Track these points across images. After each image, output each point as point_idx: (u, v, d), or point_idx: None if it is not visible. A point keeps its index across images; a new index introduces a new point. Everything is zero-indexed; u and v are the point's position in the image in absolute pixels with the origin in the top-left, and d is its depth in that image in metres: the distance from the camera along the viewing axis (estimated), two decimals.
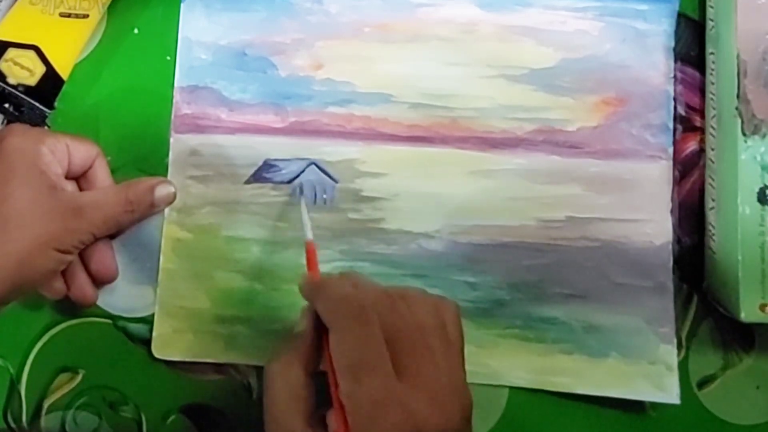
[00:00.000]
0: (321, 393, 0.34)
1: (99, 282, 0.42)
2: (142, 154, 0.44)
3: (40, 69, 0.43)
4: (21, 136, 0.38)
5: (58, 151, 0.39)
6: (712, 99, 0.44)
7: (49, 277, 0.40)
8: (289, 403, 0.33)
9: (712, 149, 0.43)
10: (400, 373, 0.32)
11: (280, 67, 0.45)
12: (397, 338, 0.33)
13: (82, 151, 0.41)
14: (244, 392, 0.43)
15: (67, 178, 0.41)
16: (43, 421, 0.42)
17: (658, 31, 0.45)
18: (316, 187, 0.44)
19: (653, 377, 0.42)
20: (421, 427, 0.31)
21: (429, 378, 0.32)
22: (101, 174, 0.42)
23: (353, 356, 0.32)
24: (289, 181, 0.44)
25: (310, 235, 0.40)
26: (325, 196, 0.43)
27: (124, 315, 0.43)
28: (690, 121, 0.45)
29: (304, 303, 0.36)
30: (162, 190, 0.42)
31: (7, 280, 0.36)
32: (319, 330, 0.35)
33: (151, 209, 0.42)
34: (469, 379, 0.42)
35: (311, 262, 0.39)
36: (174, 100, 0.44)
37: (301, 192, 0.43)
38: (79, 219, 0.38)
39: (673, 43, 0.45)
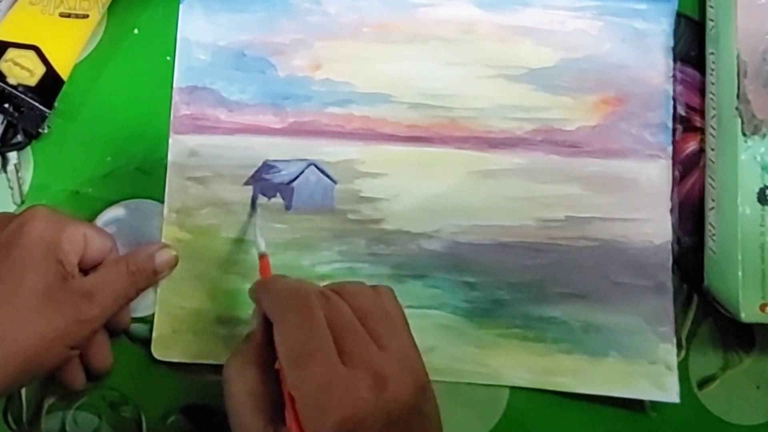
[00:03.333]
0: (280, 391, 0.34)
1: (92, 371, 0.41)
2: (141, 155, 0.44)
3: (40, 69, 0.43)
4: (44, 221, 0.37)
5: (75, 241, 0.38)
6: (712, 99, 0.44)
7: (52, 372, 0.38)
8: (249, 402, 0.33)
9: (712, 149, 0.43)
10: (347, 361, 0.32)
11: (279, 68, 0.44)
12: (341, 330, 0.33)
13: (98, 244, 0.40)
14: None
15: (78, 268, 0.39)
16: (44, 421, 0.42)
17: (657, 31, 0.45)
18: (315, 187, 0.44)
19: (653, 376, 0.42)
20: (366, 408, 0.31)
21: (376, 362, 0.32)
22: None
23: (296, 346, 0.32)
24: (289, 182, 0.44)
25: (263, 248, 0.40)
26: (323, 196, 0.44)
27: None
28: (690, 121, 0.45)
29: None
30: (163, 256, 0.41)
31: (10, 377, 0.35)
32: (269, 328, 0.35)
33: (155, 276, 0.41)
34: (469, 379, 0.42)
35: (264, 273, 0.40)
36: (173, 101, 0.44)
37: (254, 208, 0.43)
38: (90, 305, 0.37)
39: (672, 43, 0.45)
